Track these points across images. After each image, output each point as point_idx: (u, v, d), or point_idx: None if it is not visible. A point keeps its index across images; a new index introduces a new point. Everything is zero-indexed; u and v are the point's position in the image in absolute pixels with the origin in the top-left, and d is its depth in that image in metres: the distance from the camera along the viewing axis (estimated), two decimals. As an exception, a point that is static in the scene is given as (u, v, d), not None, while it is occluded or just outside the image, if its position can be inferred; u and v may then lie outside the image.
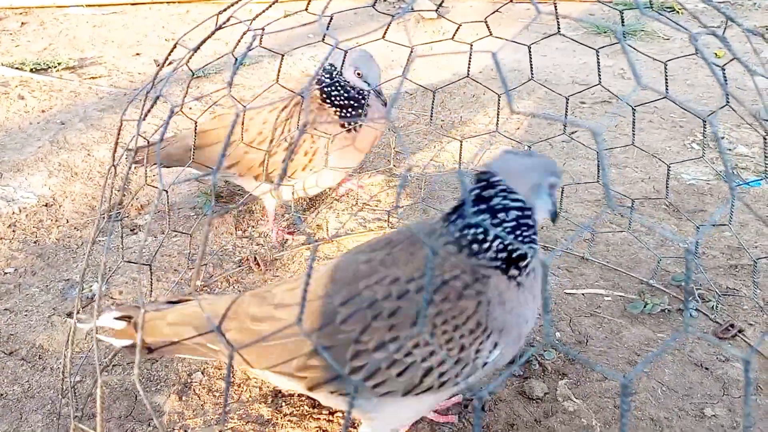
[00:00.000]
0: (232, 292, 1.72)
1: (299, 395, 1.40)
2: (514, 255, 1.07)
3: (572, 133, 2.64)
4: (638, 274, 1.77)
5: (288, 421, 1.34)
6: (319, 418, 1.34)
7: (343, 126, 1.79)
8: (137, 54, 3.48)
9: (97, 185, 2.20)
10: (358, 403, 1.10)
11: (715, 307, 1.63)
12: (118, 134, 1.24)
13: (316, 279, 1.13)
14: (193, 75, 1.34)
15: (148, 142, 1.80)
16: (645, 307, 1.63)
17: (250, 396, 1.41)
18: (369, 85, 1.83)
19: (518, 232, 1.07)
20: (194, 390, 1.43)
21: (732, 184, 0.82)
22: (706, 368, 1.47)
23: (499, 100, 1.86)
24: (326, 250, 1.89)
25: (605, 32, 3.72)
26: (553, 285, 1.73)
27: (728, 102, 1.27)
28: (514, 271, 1.07)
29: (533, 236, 1.09)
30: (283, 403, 1.39)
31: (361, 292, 1.07)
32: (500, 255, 1.06)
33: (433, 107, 1.91)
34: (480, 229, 1.06)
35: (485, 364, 1.08)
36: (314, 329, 1.06)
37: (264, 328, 1.09)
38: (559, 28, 1.54)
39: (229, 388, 1.43)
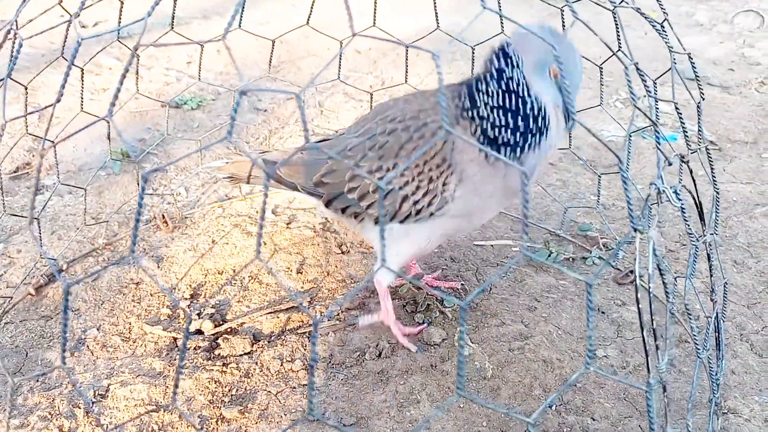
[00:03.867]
0: (138, 251, 1.68)
1: (195, 348, 1.38)
2: (492, 137, 1.18)
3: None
4: (548, 226, 1.79)
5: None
6: (212, 370, 1.33)
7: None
8: (61, 16, 3.33)
9: (4, 145, 2.11)
10: (365, 226, 1.34)
11: (617, 255, 1.66)
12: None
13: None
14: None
15: None
16: (550, 256, 1.65)
17: (144, 350, 1.39)
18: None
19: (513, 124, 1.16)
20: (88, 346, 1.40)
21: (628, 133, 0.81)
22: (603, 312, 1.51)
23: (406, 53, 1.84)
24: (239, 208, 1.85)
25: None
26: (463, 237, 1.74)
27: (615, 52, 1.30)
28: (486, 147, 1.08)
29: (534, 130, 1.16)
30: (177, 357, 1.37)
31: (370, 125, 1.29)
32: (480, 130, 1.18)
33: (340, 64, 1.86)
34: (478, 106, 1.18)
35: (453, 200, 1.23)
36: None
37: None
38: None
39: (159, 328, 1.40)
